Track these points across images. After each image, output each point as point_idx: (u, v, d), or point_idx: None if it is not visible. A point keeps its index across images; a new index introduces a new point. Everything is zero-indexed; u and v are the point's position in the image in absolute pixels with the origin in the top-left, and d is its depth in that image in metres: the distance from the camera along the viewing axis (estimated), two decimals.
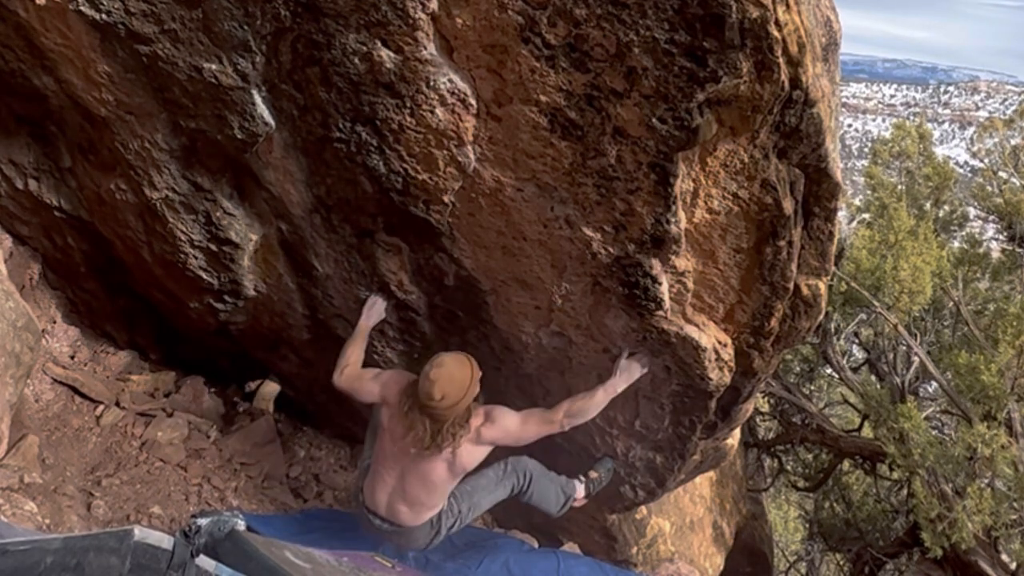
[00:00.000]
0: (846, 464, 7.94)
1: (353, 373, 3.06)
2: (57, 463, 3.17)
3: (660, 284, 2.56)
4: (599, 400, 2.84)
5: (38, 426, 3.30)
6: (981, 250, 6.85)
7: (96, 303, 3.85)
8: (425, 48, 2.13)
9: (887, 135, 7.32)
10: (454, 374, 2.69)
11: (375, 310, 3.14)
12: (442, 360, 2.72)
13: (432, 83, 2.20)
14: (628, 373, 2.86)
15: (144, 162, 2.78)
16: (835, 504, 8.33)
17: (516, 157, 2.34)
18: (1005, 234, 6.76)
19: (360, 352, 3.11)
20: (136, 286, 3.65)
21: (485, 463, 3.00)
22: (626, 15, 1.91)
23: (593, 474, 3.50)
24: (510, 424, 2.83)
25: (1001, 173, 6.96)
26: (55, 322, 3.83)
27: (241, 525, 2.86)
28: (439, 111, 2.26)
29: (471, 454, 2.83)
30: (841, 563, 8.24)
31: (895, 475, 6.66)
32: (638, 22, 1.91)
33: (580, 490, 3.42)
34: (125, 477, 3.32)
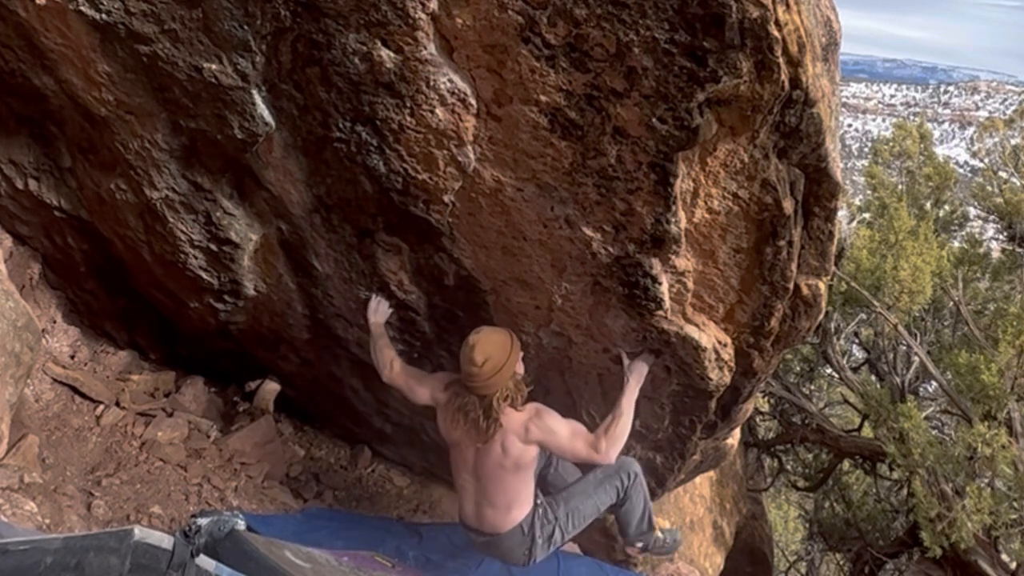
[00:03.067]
0: (846, 464, 7.94)
1: (402, 370, 3.05)
2: (57, 463, 3.17)
3: (660, 284, 2.56)
4: (626, 413, 2.78)
5: (38, 426, 3.30)
6: (981, 250, 6.84)
7: (96, 303, 3.85)
8: (425, 48, 2.13)
9: (887, 135, 7.32)
10: (492, 337, 2.67)
11: (380, 309, 3.14)
12: (479, 328, 2.70)
13: (432, 83, 2.20)
14: (638, 373, 2.85)
15: (144, 162, 2.78)
16: (835, 504, 8.33)
17: (516, 157, 2.34)
18: (1005, 234, 6.75)
19: (391, 348, 3.11)
20: (136, 286, 3.65)
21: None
22: (626, 15, 1.91)
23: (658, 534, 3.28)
24: (558, 428, 2.74)
25: (1001, 173, 6.95)
26: (55, 322, 3.83)
27: (241, 525, 2.86)
28: (439, 111, 2.26)
29: (522, 451, 2.75)
30: (841, 563, 8.23)
31: (895, 475, 6.66)
32: (638, 22, 1.91)
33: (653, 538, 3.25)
34: (125, 477, 3.32)
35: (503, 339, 2.70)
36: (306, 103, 2.42)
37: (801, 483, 8.27)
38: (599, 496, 3.00)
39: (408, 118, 2.31)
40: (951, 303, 6.18)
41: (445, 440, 2.93)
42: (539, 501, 2.94)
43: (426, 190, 2.54)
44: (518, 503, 2.85)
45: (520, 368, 2.78)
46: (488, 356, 2.63)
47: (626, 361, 2.87)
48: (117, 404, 3.71)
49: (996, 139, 7.04)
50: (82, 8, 2.21)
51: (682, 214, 2.38)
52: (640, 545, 3.24)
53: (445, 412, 2.86)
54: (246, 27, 2.22)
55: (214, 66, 2.33)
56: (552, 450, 2.83)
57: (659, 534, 3.27)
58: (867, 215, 6.80)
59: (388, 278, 3.02)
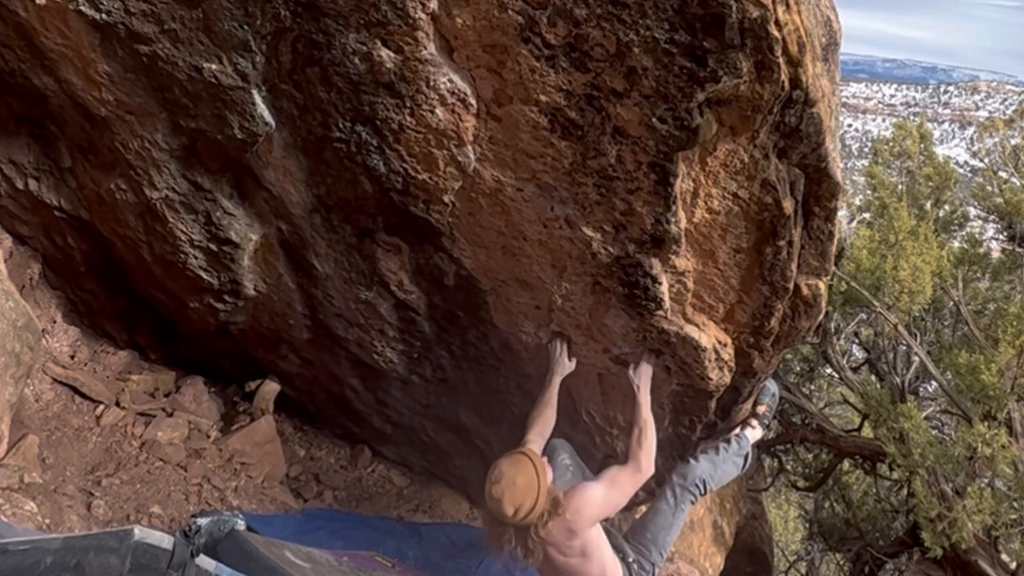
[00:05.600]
0: (846, 464, 7.93)
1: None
2: (57, 463, 3.18)
3: (660, 284, 2.56)
4: (648, 420, 2.78)
5: (38, 426, 3.30)
6: (981, 250, 6.83)
7: (96, 303, 3.85)
8: (425, 48, 2.13)
9: (888, 135, 7.31)
10: (517, 481, 2.44)
11: (566, 362, 2.99)
12: (498, 472, 2.47)
13: (432, 83, 2.20)
14: (645, 377, 2.86)
15: (144, 162, 2.78)
16: (835, 504, 8.32)
17: (516, 157, 2.34)
18: (1005, 234, 6.75)
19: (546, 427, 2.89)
20: (136, 286, 3.65)
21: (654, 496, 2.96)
22: (626, 15, 1.91)
23: (761, 408, 3.42)
24: (595, 496, 2.59)
25: (1001, 173, 6.94)
26: (55, 322, 3.83)
27: (241, 525, 2.87)
28: (439, 111, 2.26)
29: (583, 542, 2.60)
30: (841, 563, 8.23)
31: (895, 475, 6.65)
32: (638, 22, 1.91)
33: (757, 433, 3.36)
34: (125, 477, 3.32)
35: (528, 477, 2.46)
36: (306, 103, 2.42)
37: (801, 483, 8.26)
38: (679, 517, 3.03)
39: (408, 118, 2.31)
40: (951, 303, 6.17)
41: None
42: (631, 559, 2.85)
43: (426, 190, 2.53)
44: (607, 563, 2.73)
45: (549, 481, 2.55)
46: (518, 505, 2.43)
47: (631, 372, 2.87)
48: (117, 404, 3.71)
49: (996, 139, 7.03)
50: (82, 8, 2.21)
51: (682, 214, 2.38)
52: (761, 436, 3.43)
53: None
54: (246, 27, 2.22)
55: (214, 66, 2.33)
56: (609, 514, 2.70)
57: (761, 408, 3.39)
58: (867, 215, 6.79)
59: (388, 278, 3.01)
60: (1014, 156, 6.79)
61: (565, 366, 2.97)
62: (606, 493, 2.63)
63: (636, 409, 2.80)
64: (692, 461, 3.13)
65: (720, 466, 3.17)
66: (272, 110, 2.49)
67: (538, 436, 2.78)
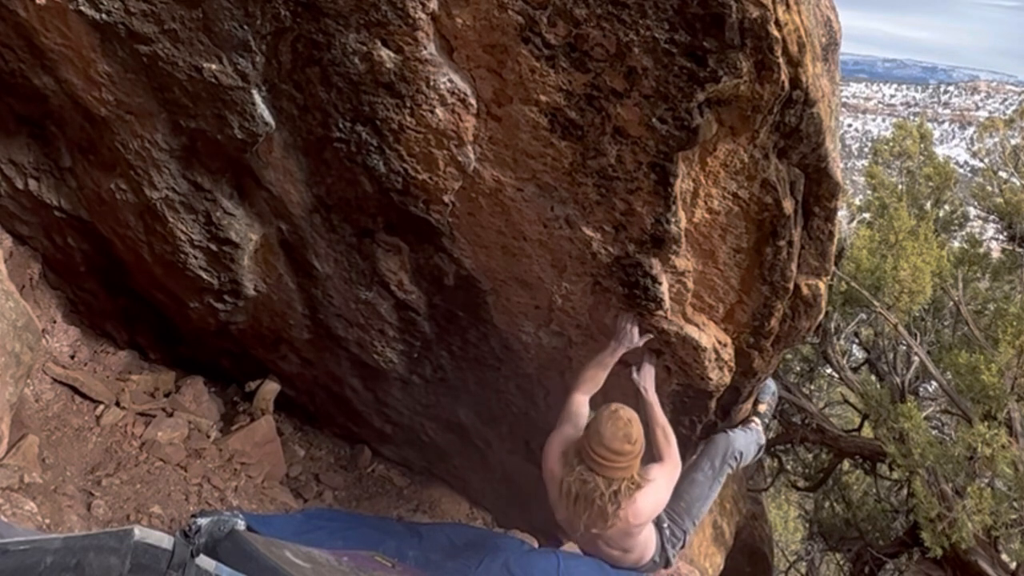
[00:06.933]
0: (846, 464, 7.93)
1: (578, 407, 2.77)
2: (57, 463, 3.17)
3: (660, 284, 2.56)
4: (664, 419, 2.80)
5: (38, 426, 3.30)
6: (981, 250, 6.83)
7: (96, 303, 3.85)
8: (425, 48, 2.13)
9: (887, 135, 7.31)
10: (635, 416, 2.47)
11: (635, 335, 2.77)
12: (617, 406, 2.47)
13: (432, 83, 2.20)
14: (649, 377, 2.87)
15: (144, 162, 2.78)
16: (835, 504, 8.32)
17: (516, 157, 2.34)
18: (1005, 234, 6.75)
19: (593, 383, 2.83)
20: (136, 286, 3.65)
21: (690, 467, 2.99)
22: (626, 15, 1.91)
23: (762, 407, 3.48)
24: (654, 500, 2.58)
25: (1001, 173, 6.95)
26: (55, 322, 3.83)
27: (241, 525, 2.86)
28: (439, 111, 2.26)
29: (643, 538, 2.69)
30: (841, 563, 8.23)
31: (895, 475, 6.65)
32: (638, 22, 1.91)
33: (760, 430, 3.46)
34: (125, 477, 3.31)
35: (638, 418, 2.51)
36: (306, 103, 2.42)
37: (801, 483, 8.26)
38: (715, 489, 3.13)
39: (408, 118, 2.31)
40: (951, 303, 6.17)
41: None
42: (665, 525, 2.91)
43: (426, 190, 2.54)
44: (648, 545, 2.79)
45: None
46: (639, 436, 2.43)
47: (635, 375, 2.87)
48: (117, 404, 3.71)
49: (996, 139, 7.04)
50: (82, 8, 2.21)
51: (682, 214, 2.38)
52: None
53: (559, 492, 2.57)
54: (246, 27, 2.22)
55: (214, 66, 2.33)
56: (659, 511, 2.72)
57: (763, 407, 3.47)
58: (867, 215, 6.79)
59: (388, 278, 3.02)
60: (1014, 156, 6.79)
61: (633, 340, 2.72)
62: (661, 494, 2.66)
63: (651, 411, 2.80)
64: (730, 433, 3.22)
65: (750, 444, 3.28)
66: (272, 110, 2.49)
67: (585, 394, 2.77)
